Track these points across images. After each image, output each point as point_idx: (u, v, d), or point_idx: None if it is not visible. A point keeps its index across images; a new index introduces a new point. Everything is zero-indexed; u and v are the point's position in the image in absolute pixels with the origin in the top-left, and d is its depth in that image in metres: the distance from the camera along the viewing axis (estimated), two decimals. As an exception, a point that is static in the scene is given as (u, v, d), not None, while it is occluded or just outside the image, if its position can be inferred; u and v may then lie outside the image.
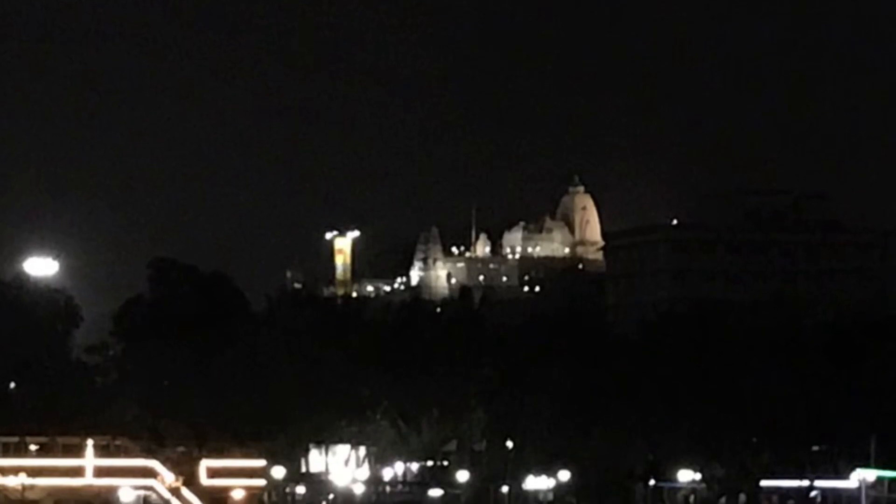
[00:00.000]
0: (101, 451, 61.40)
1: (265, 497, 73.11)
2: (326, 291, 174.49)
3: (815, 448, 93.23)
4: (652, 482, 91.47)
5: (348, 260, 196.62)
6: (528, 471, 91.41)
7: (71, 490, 60.84)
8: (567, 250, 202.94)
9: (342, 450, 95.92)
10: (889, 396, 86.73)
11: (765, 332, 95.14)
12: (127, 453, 62.79)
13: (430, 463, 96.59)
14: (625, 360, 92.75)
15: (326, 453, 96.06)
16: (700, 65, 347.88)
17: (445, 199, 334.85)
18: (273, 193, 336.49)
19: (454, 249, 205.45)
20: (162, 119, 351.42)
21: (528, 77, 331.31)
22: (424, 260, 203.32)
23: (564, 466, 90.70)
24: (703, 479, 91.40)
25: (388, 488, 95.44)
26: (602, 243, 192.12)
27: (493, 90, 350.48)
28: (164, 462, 61.82)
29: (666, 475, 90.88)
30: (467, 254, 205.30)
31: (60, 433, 64.76)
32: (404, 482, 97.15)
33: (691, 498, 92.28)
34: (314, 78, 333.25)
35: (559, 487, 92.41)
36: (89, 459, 60.65)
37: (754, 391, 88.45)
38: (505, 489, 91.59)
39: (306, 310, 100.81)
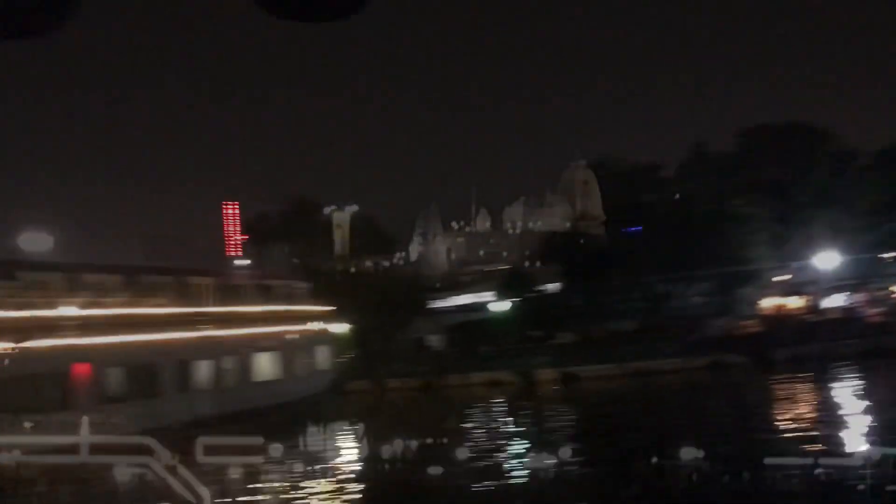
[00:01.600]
0: (97, 428, 60.42)
1: (262, 474, 72.16)
2: (325, 267, 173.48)
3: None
4: (654, 459, 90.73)
5: (347, 235, 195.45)
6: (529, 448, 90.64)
7: (66, 468, 59.99)
8: (568, 225, 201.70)
9: (340, 427, 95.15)
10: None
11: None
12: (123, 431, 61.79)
13: (429, 440, 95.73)
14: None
15: (325, 430, 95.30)
16: (700, 40, 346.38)
17: (445, 173, 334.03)
18: (269, 169, 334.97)
19: (454, 224, 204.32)
20: (158, 92, 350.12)
21: (530, 50, 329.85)
22: (424, 235, 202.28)
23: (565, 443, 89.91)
24: (706, 457, 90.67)
25: (386, 466, 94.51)
26: (603, 218, 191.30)
27: (493, 64, 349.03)
28: (160, 439, 60.87)
29: (668, 452, 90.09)
30: (467, 229, 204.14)
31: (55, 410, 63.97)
32: (403, 460, 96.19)
33: (694, 475, 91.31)
34: (312, 49, 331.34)
35: (559, 464, 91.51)
36: (84, 437, 59.74)
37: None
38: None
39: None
